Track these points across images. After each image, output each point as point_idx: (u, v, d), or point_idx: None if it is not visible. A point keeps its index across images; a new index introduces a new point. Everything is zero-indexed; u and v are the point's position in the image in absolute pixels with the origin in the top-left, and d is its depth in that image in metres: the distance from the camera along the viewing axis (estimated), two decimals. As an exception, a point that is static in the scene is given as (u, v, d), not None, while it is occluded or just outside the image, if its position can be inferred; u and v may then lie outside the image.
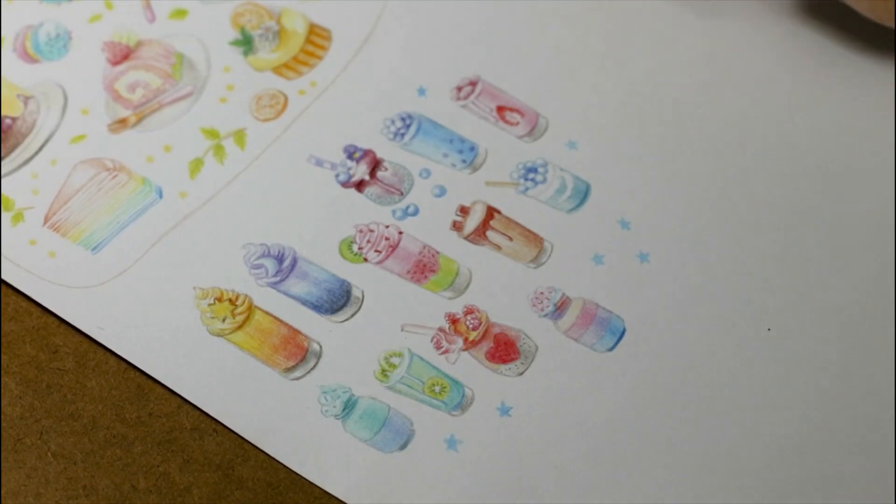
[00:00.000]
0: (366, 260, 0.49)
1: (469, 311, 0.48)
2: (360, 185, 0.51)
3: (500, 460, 0.46)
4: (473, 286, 0.49)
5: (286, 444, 0.46)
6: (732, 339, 0.48)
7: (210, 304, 0.48)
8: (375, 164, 0.51)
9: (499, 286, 0.49)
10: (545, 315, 0.48)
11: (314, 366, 0.47)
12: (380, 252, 0.49)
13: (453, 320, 0.48)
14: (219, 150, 0.51)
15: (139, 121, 0.52)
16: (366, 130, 0.52)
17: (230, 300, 0.48)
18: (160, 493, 0.45)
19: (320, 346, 0.48)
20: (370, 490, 0.45)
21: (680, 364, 0.47)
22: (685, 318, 0.48)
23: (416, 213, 0.50)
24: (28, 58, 0.53)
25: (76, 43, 0.54)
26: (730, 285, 0.49)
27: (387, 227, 0.50)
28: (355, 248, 0.49)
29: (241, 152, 0.51)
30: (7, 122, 0.52)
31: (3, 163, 0.51)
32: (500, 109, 0.52)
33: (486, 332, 0.48)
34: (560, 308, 0.48)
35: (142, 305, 0.48)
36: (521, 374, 0.47)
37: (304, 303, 0.48)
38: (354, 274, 0.49)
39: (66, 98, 0.52)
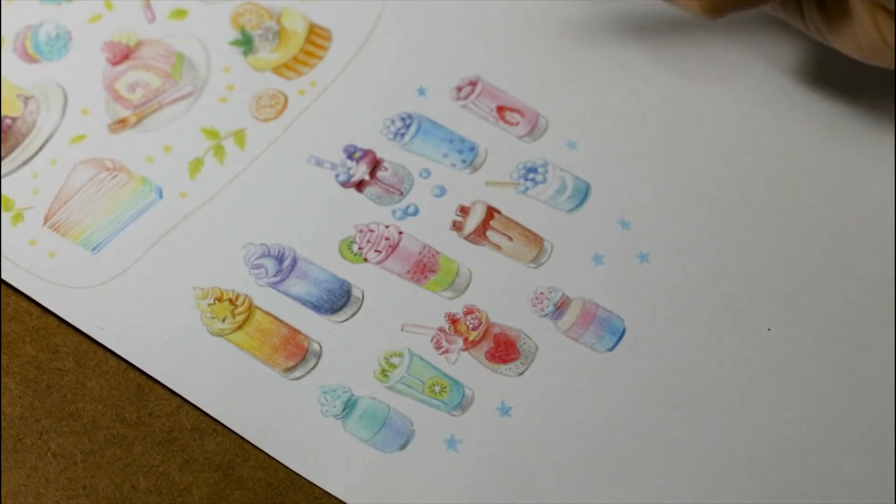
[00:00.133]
0: (366, 260, 0.49)
1: (469, 311, 0.48)
2: (360, 185, 0.51)
3: (500, 460, 0.46)
4: (473, 286, 0.49)
5: (286, 444, 0.46)
6: (732, 339, 0.48)
7: (210, 304, 0.48)
8: (375, 164, 0.51)
9: (499, 286, 0.49)
10: (545, 315, 0.48)
11: (314, 366, 0.47)
12: (380, 252, 0.49)
13: (453, 320, 0.48)
14: (219, 150, 0.51)
15: (139, 121, 0.52)
16: (366, 130, 0.52)
17: (230, 300, 0.48)
18: (160, 493, 0.45)
19: (320, 346, 0.47)
20: (370, 490, 0.45)
21: (680, 364, 0.47)
22: (685, 318, 0.48)
23: (416, 213, 0.50)
24: (28, 58, 0.53)
25: (76, 43, 0.54)
26: (730, 285, 0.49)
27: (387, 227, 0.50)
28: (355, 248, 0.49)
29: (241, 152, 0.51)
30: (7, 122, 0.52)
31: (3, 163, 0.51)
32: (500, 109, 0.52)
33: (486, 332, 0.48)
34: (560, 308, 0.48)
35: (142, 305, 0.48)
36: (521, 374, 0.47)
37: (304, 303, 0.48)
38: (354, 274, 0.49)
39: (66, 98, 0.52)
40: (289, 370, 0.47)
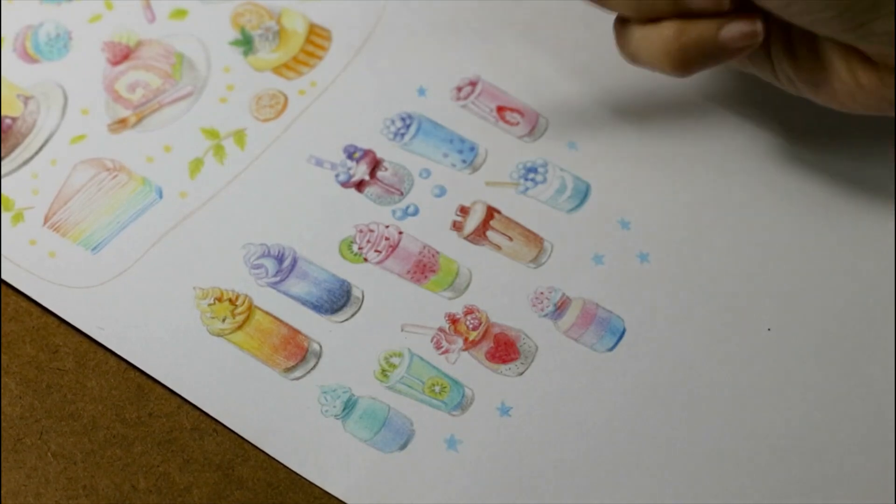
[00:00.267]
0: (366, 260, 0.49)
1: (469, 311, 0.48)
2: (360, 185, 0.51)
3: (500, 460, 0.46)
4: (473, 286, 0.49)
5: (286, 444, 0.46)
6: (732, 339, 0.48)
7: (210, 304, 0.48)
8: (375, 164, 0.51)
9: (499, 286, 0.49)
10: (545, 315, 0.48)
11: (314, 366, 0.47)
12: (380, 252, 0.49)
13: (453, 320, 0.48)
14: (219, 150, 0.51)
15: (139, 121, 0.52)
16: (366, 130, 0.52)
17: (230, 300, 0.48)
18: (160, 493, 0.45)
19: (320, 346, 0.48)
20: (370, 490, 0.45)
21: (680, 364, 0.47)
22: (685, 318, 0.48)
23: (416, 213, 0.50)
24: (28, 58, 0.53)
25: (76, 43, 0.54)
26: (730, 285, 0.49)
27: (387, 227, 0.50)
28: (355, 248, 0.49)
29: (241, 152, 0.51)
30: (7, 122, 0.52)
31: (3, 163, 0.51)
32: (500, 109, 0.52)
33: (486, 332, 0.48)
34: (560, 308, 0.48)
35: (142, 305, 0.48)
36: (521, 374, 0.47)
37: (304, 303, 0.48)
38: (354, 274, 0.49)
39: (66, 98, 0.52)
40: (289, 370, 0.47)
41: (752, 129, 0.52)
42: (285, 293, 0.48)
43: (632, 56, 0.45)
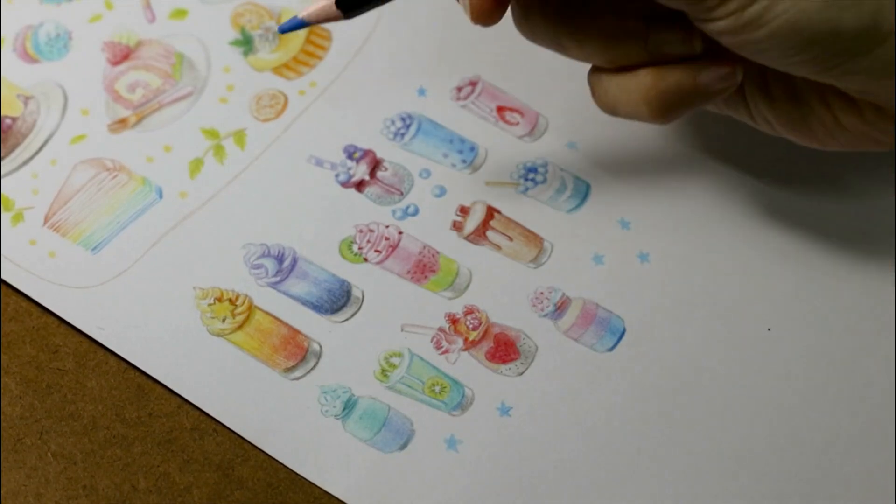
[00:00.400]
0: (366, 260, 0.49)
1: (469, 311, 0.48)
2: (360, 185, 0.51)
3: (500, 460, 0.46)
4: (473, 286, 0.49)
5: (286, 444, 0.46)
6: (732, 339, 0.48)
7: (210, 304, 0.48)
8: (375, 164, 0.51)
9: (499, 286, 0.49)
10: (545, 315, 0.48)
11: (314, 366, 0.47)
12: (380, 252, 0.49)
13: (453, 320, 0.48)
14: (219, 150, 0.51)
15: (139, 121, 0.52)
16: (366, 130, 0.52)
17: (230, 300, 0.48)
18: (160, 493, 0.45)
19: (320, 346, 0.48)
20: (370, 490, 0.45)
21: (680, 364, 0.47)
22: (685, 318, 0.48)
23: (416, 213, 0.50)
24: (28, 58, 0.53)
25: (76, 43, 0.54)
26: (730, 285, 0.49)
27: (387, 227, 0.50)
28: (355, 248, 0.49)
29: (241, 152, 0.51)
30: (7, 122, 0.52)
31: (3, 163, 0.51)
32: (500, 109, 0.52)
33: (486, 332, 0.48)
34: (560, 308, 0.48)
35: (142, 305, 0.48)
36: (521, 374, 0.47)
37: (304, 303, 0.48)
38: (354, 274, 0.49)
39: (66, 98, 0.52)
40: (289, 370, 0.47)
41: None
42: (285, 293, 0.48)
43: (609, 106, 0.44)
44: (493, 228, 0.50)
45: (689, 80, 0.43)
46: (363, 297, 0.48)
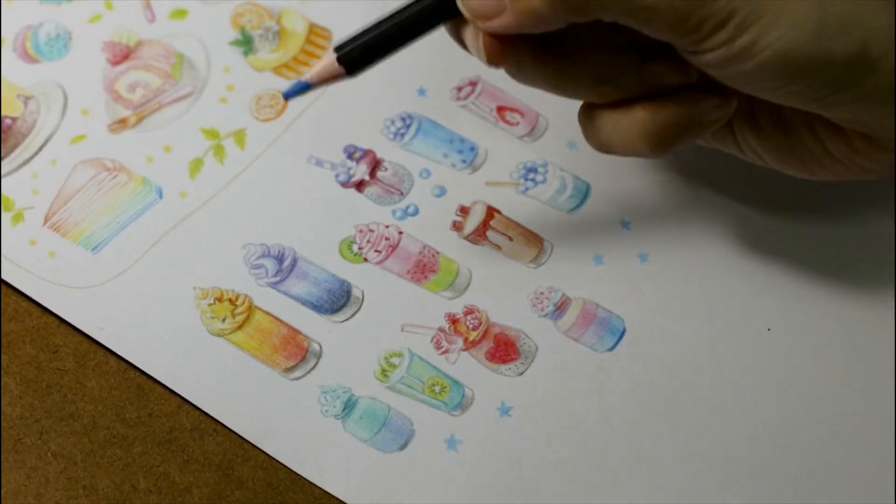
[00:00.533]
0: (366, 260, 0.49)
1: (469, 311, 0.48)
2: (360, 185, 0.51)
3: (500, 460, 0.46)
4: (473, 286, 0.49)
5: (286, 444, 0.46)
6: (732, 339, 0.48)
7: (210, 304, 0.48)
8: (375, 164, 0.51)
9: (499, 286, 0.49)
10: (545, 315, 0.48)
11: (314, 366, 0.47)
12: (380, 252, 0.49)
13: (453, 320, 0.48)
14: (219, 150, 0.51)
15: (139, 121, 0.52)
16: (366, 130, 0.52)
17: (230, 300, 0.48)
18: (160, 493, 0.45)
19: (320, 346, 0.48)
20: (370, 490, 0.45)
21: (680, 364, 0.47)
22: (685, 318, 0.48)
23: (416, 213, 0.50)
24: (28, 58, 0.53)
25: (76, 43, 0.54)
26: (730, 285, 0.49)
27: (387, 227, 0.50)
28: (355, 248, 0.49)
29: (241, 152, 0.51)
30: (7, 122, 0.52)
31: (3, 163, 0.51)
32: (500, 109, 0.52)
33: (486, 332, 0.48)
34: (560, 308, 0.48)
35: (142, 305, 0.48)
36: (521, 374, 0.47)
37: (304, 303, 0.48)
38: (354, 274, 0.49)
39: (66, 98, 0.52)
40: (289, 370, 0.47)
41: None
42: (285, 293, 0.48)
43: (604, 145, 0.44)
44: (493, 228, 0.50)
45: (687, 112, 0.42)
46: (363, 297, 0.48)
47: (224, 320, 0.48)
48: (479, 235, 0.50)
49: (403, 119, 0.52)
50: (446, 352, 0.48)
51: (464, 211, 0.50)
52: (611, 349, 0.48)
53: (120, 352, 0.47)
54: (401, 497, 0.45)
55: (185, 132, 0.52)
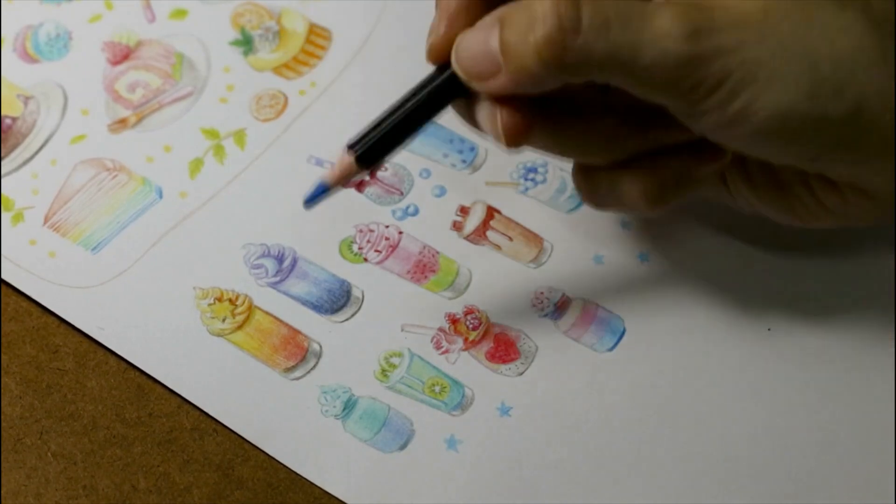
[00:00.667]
0: (366, 260, 0.49)
1: (469, 311, 0.48)
2: (360, 185, 0.51)
3: (500, 460, 0.46)
4: (473, 286, 0.49)
5: (286, 444, 0.46)
6: (732, 339, 0.48)
7: (210, 304, 0.48)
8: (375, 164, 0.51)
9: (499, 286, 0.49)
10: (545, 315, 0.48)
11: (314, 366, 0.47)
12: (380, 252, 0.49)
13: (453, 320, 0.48)
14: (219, 150, 0.51)
15: (139, 121, 0.52)
16: (366, 130, 0.52)
17: (230, 300, 0.48)
18: (160, 493, 0.45)
19: (320, 346, 0.47)
20: (370, 490, 0.45)
21: (680, 364, 0.47)
22: (685, 318, 0.48)
23: (416, 213, 0.50)
24: (28, 58, 0.53)
25: (76, 43, 0.54)
26: (730, 285, 0.49)
27: (387, 227, 0.50)
28: (355, 248, 0.49)
29: (241, 152, 0.51)
30: (7, 122, 0.52)
31: (3, 163, 0.51)
32: (500, 109, 0.52)
33: (486, 332, 0.48)
34: (560, 308, 0.48)
35: (142, 305, 0.48)
36: (521, 374, 0.47)
37: (304, 303, 0.48)
38: (354, 274, 0.49)
39: (66, 98, 0.52)
40: (289, 370, 0.47)
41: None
42: (285, 293, 0.48)
43: (602, 203, 0.44)
44: (493, 228, 0.50)
45: (686, 170, 0.42)
46: (363, 297, 0.48)
47: (224, 320, 0.48)
48: (479, 235, 0.50)
49: (403, 119, 0.52)
50: (446, 352, 0.48)
51: (464, 211, 0.50)
52: (611, 349, 0.48)
53: (120, 352, 0.47)
54: (401, 497, 0.45)
55: (185, 132, 0.52)
